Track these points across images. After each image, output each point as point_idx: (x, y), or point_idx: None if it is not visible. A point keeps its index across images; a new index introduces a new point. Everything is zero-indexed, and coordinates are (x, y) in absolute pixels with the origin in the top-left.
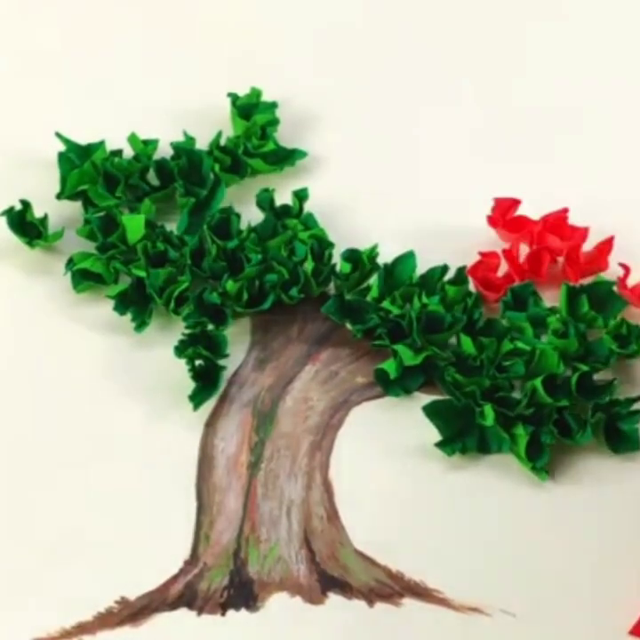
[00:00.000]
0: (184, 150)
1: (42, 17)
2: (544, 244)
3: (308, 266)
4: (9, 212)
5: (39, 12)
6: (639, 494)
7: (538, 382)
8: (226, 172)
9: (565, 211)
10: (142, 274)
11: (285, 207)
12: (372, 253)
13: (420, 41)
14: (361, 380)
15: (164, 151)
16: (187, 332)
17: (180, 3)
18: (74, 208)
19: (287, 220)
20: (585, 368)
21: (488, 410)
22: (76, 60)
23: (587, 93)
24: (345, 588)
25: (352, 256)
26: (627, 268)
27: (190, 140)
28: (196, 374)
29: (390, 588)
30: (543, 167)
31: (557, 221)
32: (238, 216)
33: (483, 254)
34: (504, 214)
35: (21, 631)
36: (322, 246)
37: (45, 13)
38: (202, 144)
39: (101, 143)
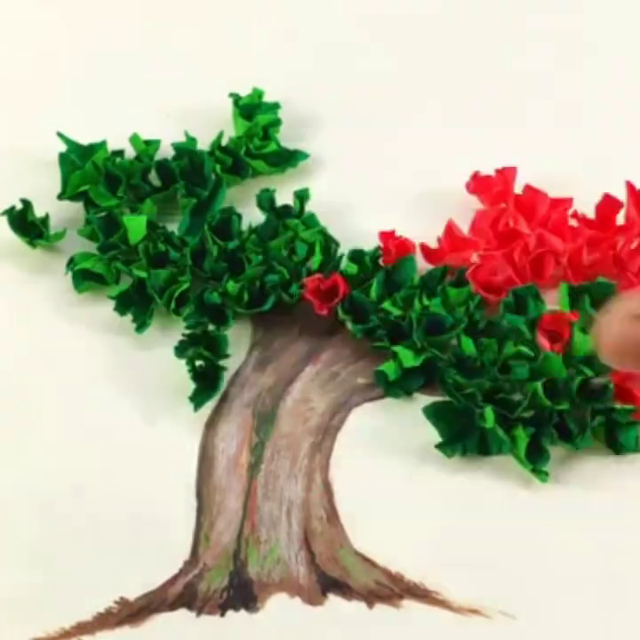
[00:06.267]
0: (185, 151)
1: (42, 17)
2: (546, 247)
3: (316, 260)
4: (10, 212)
5: (40, 13)
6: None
7: (538, 385)
8: (227, 173)
9: (568, 203)
10: (143, 274)
11: (286, 207)
12: (375, 254)
13: (419, 41)
14: (362, 381)
15: (166, 152)
16: (187, 332)
17: (181, 2)
18: (75, 208)
19: (288, 220)
20: (589, 372)
21: (488, 412)
22: (77, 60)
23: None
24: (344, 590)
25: (356, 256)
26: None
27: (192, 140)
28: (197, 375)
29: (390, 589)
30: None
31: (558, 222)
32: (239, 216)
33: (483, 257)
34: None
35: (21, 631)
36: (328, 242)
37: (46, 13)
38: (203, 144)
39: (103, 143)
